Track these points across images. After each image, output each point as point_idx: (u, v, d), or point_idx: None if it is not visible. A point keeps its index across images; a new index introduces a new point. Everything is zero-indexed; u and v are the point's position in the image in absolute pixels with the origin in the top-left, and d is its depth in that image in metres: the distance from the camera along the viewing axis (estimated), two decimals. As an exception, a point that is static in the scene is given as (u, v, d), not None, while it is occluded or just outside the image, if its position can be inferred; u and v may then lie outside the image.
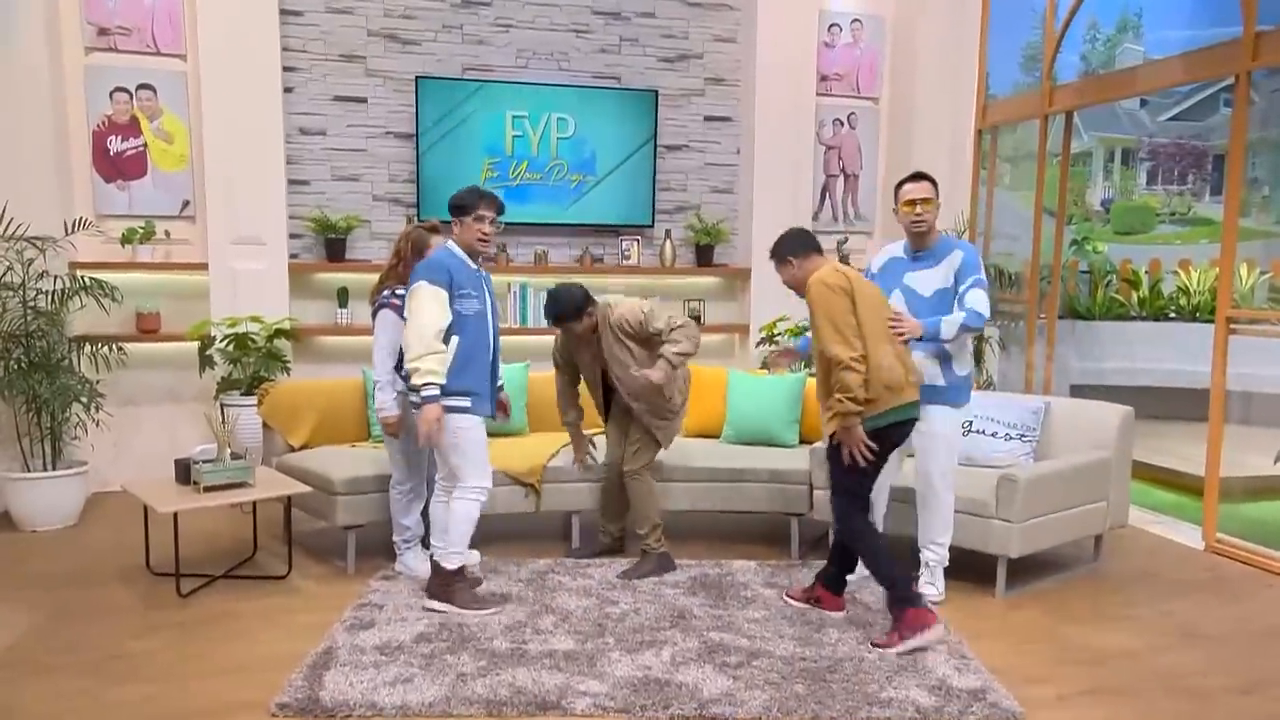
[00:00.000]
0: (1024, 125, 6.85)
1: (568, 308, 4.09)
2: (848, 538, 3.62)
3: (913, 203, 3.78)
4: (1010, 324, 6.62)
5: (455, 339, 3.63)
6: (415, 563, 4.12)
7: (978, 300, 3.71)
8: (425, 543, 4.11)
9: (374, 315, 4.03)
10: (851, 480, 3.51)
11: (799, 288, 3.59)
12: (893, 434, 3.49)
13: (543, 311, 4.27)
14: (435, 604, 3.72)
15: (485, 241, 3.74)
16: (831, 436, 3.47)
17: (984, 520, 3.95)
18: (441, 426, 3.60)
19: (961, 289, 3.75)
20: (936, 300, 3.79)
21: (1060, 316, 7.21)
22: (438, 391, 3.56)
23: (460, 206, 3.71)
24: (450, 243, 3.78)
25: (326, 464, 4.34)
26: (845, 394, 3.31)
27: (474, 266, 3.75)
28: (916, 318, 3.69)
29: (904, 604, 3.40)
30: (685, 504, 4.57)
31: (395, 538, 4.17)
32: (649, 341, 4.06)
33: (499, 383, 3.93)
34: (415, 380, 3.56)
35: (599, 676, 3.16)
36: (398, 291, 3.95)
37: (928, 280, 3.81)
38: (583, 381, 4.36)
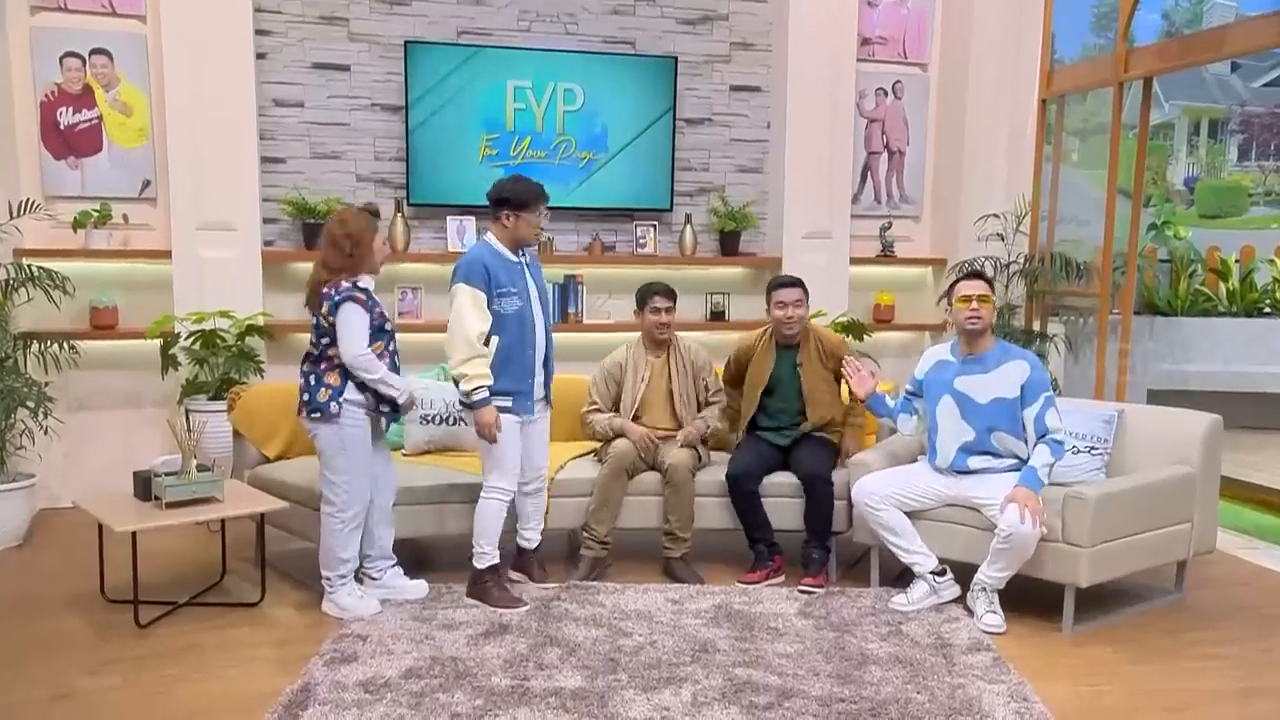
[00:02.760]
0: (1095, 94, 6.84)
1: None
2: (830, 501, 4.48)
3: (968, 298, 4.08)
4: (1078, 320, 6.60)
5: (494, 339, 3.97)
6: (349, 600, 4.01)
7: (1055, 423, 4.00)
8: (359, 577, 4.12)
9: (335, 310, 3.84)
10: None
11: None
12: None
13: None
14: (472, 601, 4.13)
15: (539, 231, 4.26)
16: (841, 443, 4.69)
17: (1049, 544, 3.94)
18: (499, 427, 3.96)
19: (1036, 409, 4.01)
20: (993, 409, 4.07)
21: (1136, 312, 7.20)
22: (488, 394, 3.94)
23: (521, 201, 4.03)
24: (489, 236, 4.10)
25: (305, 476, 4.36)
26: None
27: (516, 259, 4.10)
28: (968, 423, 4.09)
29: (826, 559, 4.49)
30: (710, 521, 4.58)
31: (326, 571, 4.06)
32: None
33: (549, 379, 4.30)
34: (465, 386, 3.93)
35: (611, 718, 3.17)
36: (359, 284, 3.89)
37: (983, 386, 4.09)
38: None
